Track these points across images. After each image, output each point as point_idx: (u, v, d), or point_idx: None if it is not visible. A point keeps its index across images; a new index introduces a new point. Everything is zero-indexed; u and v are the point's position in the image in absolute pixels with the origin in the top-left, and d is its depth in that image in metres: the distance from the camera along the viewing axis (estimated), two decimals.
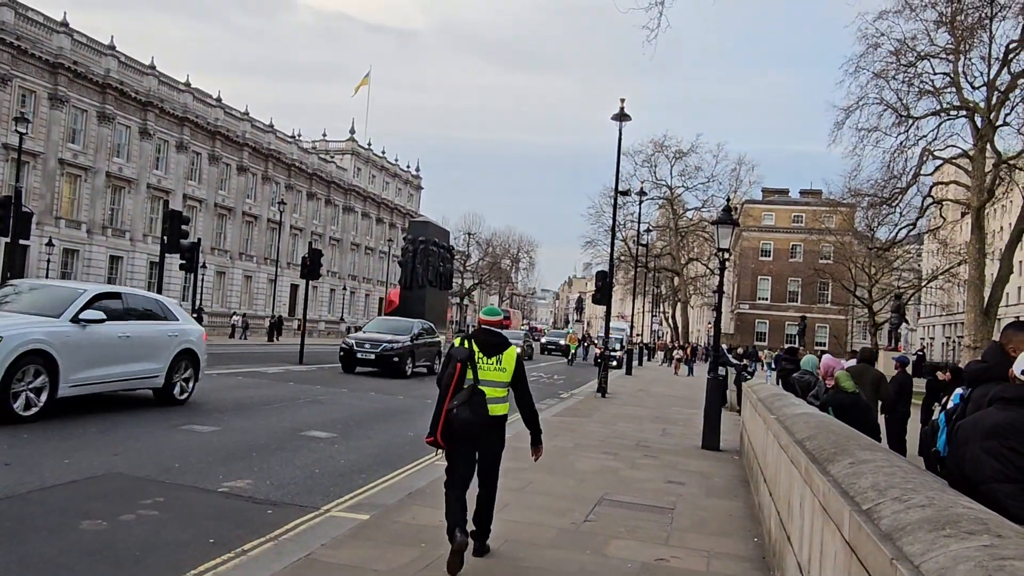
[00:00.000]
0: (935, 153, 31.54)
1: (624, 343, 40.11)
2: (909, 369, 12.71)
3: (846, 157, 59.85)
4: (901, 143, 30.96)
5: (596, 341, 45.90)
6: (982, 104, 28.53)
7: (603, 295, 21.44)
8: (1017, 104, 28.76)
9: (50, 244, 38.87)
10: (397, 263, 44.70)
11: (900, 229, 36.51)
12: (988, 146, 28.72)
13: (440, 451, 5.06)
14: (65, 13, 42.38)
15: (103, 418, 9.54)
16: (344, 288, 71.55)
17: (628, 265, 61.35)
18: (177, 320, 11.65)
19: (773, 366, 27.04)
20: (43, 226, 38.95)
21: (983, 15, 27.41)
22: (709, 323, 73.15)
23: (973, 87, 29.22)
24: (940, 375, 11.20)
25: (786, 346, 37.47)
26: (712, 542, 6.03)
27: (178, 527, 5.40)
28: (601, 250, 61.75)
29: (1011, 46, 27.42)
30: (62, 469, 6.74)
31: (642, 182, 50.54)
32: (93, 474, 6.70)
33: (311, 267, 24.27)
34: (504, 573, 4.90)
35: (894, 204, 33.98)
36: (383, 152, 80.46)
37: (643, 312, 64.06)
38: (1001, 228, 55.84)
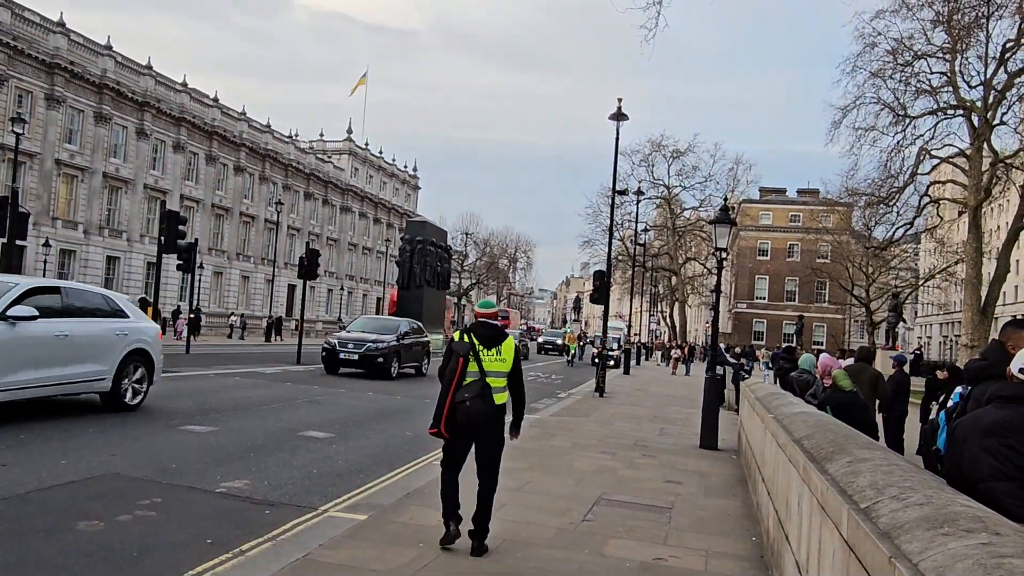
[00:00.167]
0: (932, 152, 31.61)
1: (622, 343, 40.10)
2: (907, 368, 12.72)
3: (843, 156, 60.04)
4: (898, 142, 31.07)
5: (593, 340, 45.86)
6: (979, 103, 28.57)
7: (601, 295, 21.43)
8: (1014, 103, 28.90)
9: (47, 245, 38.75)
10: (395, 263, 44.65)
11: (897, 228, 36.63)
12: (985, 145, 28.74)
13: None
14: (62, 13, 42.31)
15: (101, 418, 9.52)
16: (342, 288, 71.49)
17: (626, 265, 61.43)
18: (128, 318, 10.49)
19: (770, 365, 27.07)
20: (40, 227, 38.85)
21: (980, 14, 27.47)
22: (707, 322, 73.15)
23: (970, 86, 29.32)
24: (939, 374, 11.24)
25: (784, 345, 37.59)
26: (710, 541, 6.03)
27: (176, 528, 5.39)
28: (599, 250, 61.90)
29: (1008, 45, 27.49)
30: (60, 469, 6.73)
31: (640, 182, 50.49)
32: (91, 474, 6.69)
33: (308, 267, 24.26)
34: (502, 573, 4.89)
35: (891, 203, 34.05)
36: (380, 152, 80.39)
37: (641, 311, 64.08)
38: (998, 227, 55.90)
